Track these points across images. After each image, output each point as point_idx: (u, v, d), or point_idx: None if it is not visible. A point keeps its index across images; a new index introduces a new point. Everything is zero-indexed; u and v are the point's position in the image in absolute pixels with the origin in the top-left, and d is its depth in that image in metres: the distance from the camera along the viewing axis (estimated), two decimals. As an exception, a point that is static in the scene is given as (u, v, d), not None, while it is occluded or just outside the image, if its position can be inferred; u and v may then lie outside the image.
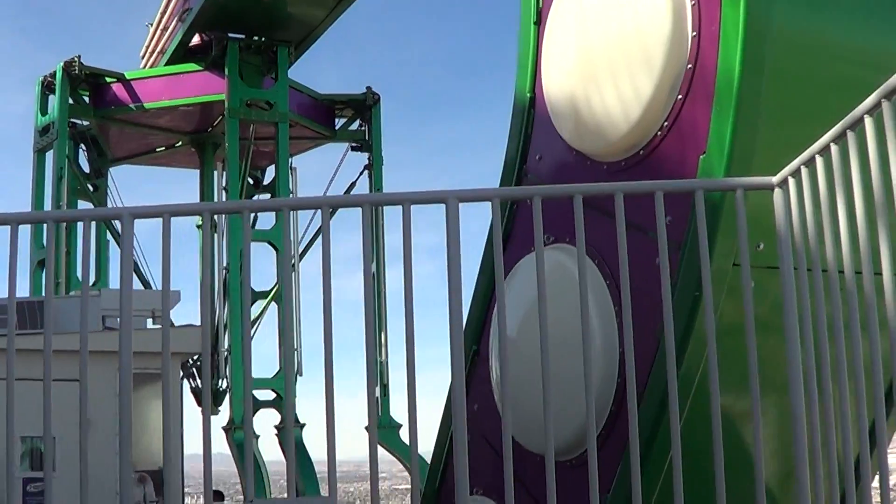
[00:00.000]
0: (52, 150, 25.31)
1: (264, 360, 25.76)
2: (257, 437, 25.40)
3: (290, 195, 25.06)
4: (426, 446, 10.08)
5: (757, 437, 5.30)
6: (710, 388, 5.27)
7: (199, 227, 27.34)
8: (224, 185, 25.29)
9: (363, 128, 28.86)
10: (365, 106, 28.50)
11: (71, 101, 25.88)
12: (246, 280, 5.15)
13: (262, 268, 27.74)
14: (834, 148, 4.63)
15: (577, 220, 5.20)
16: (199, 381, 24.64)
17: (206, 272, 6.19)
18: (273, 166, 26.74)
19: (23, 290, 19.99)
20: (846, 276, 4.65)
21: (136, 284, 25.93)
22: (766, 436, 6.88)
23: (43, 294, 20.85)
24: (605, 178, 7.58)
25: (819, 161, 4.77)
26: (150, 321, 15.93)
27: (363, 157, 28.98)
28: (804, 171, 4.96)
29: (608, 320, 7.33)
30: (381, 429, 25.74)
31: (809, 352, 5.11)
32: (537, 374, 6.23)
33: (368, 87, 28.49)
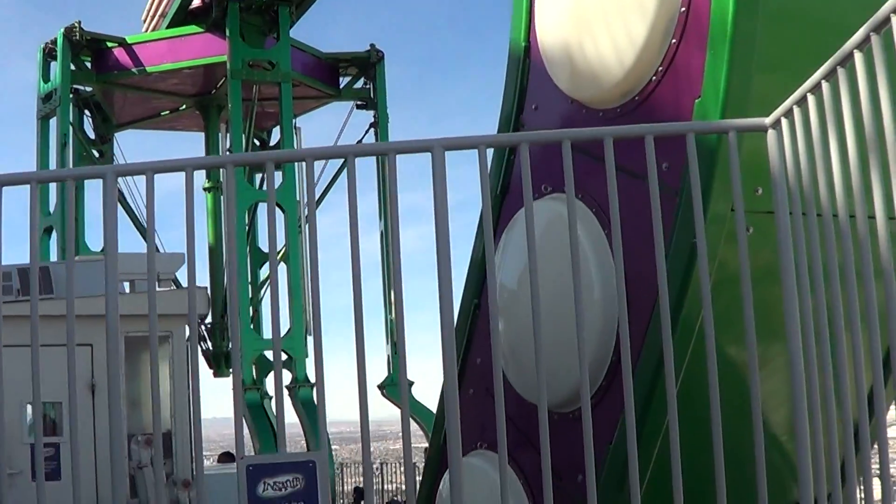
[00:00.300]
0: (55, 117, 25.22)
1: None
2: (270, 397, 25.43)
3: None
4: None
5: (754, 383, 5.23)
6: (706, 341, 5.21)
7: (206, 189, 27.29)
8: (228, 146, 25.18)
9: (367, 86, 28.73)
10: (369, 63, 28.37)
11: (73, 67, 25.78)
12: (231, 233, 5.08)
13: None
14: (825, 86, 4.54)
15: (566, 167, 5.11)
16: (209, 343, 24.69)
17: (191, 231, 6.10)
18: (278, 127, 26.63)
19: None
20: (840, 220, 4.58)
21: (142, 244, 25.92)
22: (776, 384, 6.83)
23: (50, 260, 20.90)
24: (601, 126, 7.49)
25: (811, 99, 4.68)
26: (155, 283, 15.84)
27: (369, 116, 28.87)
28: (796, 110, 4.87)
29: (607, 270, 7.25)
30: (393, 386, 25.78)
31: (807, 299, 5.03)
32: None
33: (372, 45, 28.36)
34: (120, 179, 19.67)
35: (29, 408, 14.35)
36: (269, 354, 25.38)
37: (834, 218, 4.65)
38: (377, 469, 29.19)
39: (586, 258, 7.33)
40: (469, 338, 9.25)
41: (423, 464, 11.57)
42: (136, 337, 12.96)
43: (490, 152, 9.07)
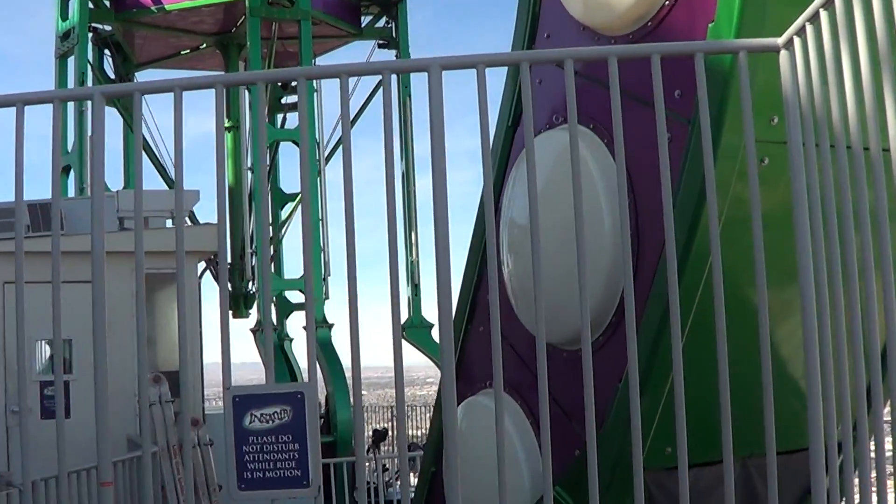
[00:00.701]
0: (73, 56, 24.99)
1: (296, 261, 25.52)
2: (291, 339, 25.39)
3: (315, 94, 24.76)
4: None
5: (763, 325, 5.03)
6: (714, 278, 5.02)
7: (226, 128, 27.05)
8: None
9: (390, 25, 28.32)
10: (391, 2, 27.94)
11: (91, 5, 25.50)
12: (220, 155, 4.90)
13: (292, 168, 27.34)
14: (838, 0, 4.30)
15: (569, 87, 4.89)
16: (228, 283, 24.56)
17: (179, 151, 5.86)
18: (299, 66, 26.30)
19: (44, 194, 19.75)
20: (854, 153, 4.37)
21: (160, 184, 25.82)
22: (796, 326, 6.65)
23: (68, 197, 20.79)
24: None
25: (823, 16, 4.43)
26: (168, 221, 15.76)
27: (391, 56, 28.45)
28: (809, 28, 4.62)
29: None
30: (413, 328, 25.68)
31: (821, 235, 4.82)
32: (548, 262, 5.99)
33: (394, -18, 27.99)
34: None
35: (39, 346, 14.34)
36: (289, 295, 25.32)
37: (848, 150, 4.45)
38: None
39: (596, 190, 7.15)
40: (479, 275, 9.08)
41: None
42: (148, 274, 12.87)
43: (502, 85, 8.93)
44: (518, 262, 8.11)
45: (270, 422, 4.74)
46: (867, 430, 4.72)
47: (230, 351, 5.01)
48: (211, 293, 25.69)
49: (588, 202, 7.00)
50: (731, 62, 6.01)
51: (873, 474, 4.64)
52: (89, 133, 24.53)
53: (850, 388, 4.67)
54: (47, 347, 15.49)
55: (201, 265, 17.55)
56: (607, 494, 6.81)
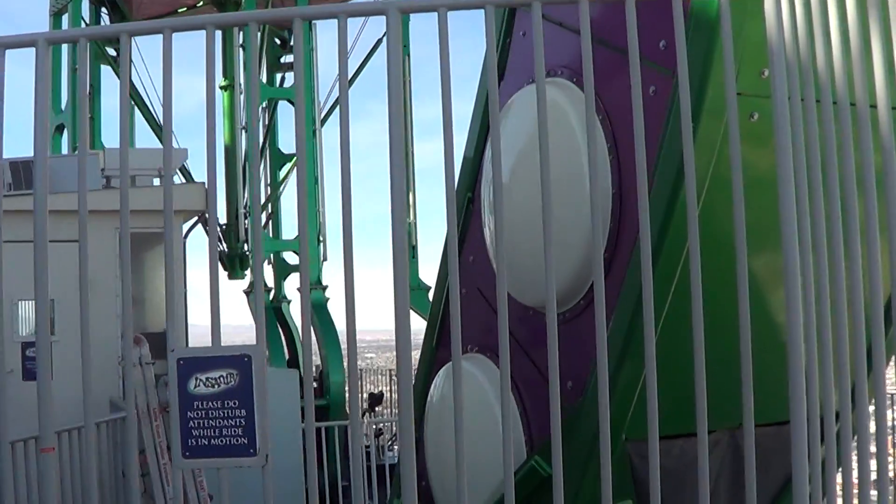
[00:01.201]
0: (68, 13, 24.65)
1: (291, 222, 25.30)
2: (288, 301, 25.22)
3: (312, 53, 24.49)
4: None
5: (742, 294, 4.76)
6: (689, 239, 4.76)
7: (222, 88, 26.76)
8: (241, 42, 24.58)
9: (388, -17, 27.91)
10: (389, -42, 27.52)
11: (87, -40, 25.19)
12: (167, 105, 4.62)
13: (290, 129, 27.01)
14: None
15: (536, 32, 4.60)
16: (224, 244, 24.35)
17: (124, 101, 5.71)
18: (297, 24, 25.86)
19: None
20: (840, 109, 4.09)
21: (155, 142, 25.62)
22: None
23: (53, 155, 20.52)
24: (595, 10, 6.97)
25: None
26: (156, 180, 15.50)
27: (392, 14, 28.01)
28: (796, -32, 4.33)
29: (602, 158, 6.76)
30: (411, 290, 25.41)
31: (803, 199, 4.56)
32: (530, 222, 5.72)
33: (393, -61, 27.49)
34: (135, 78, 18.91)
35: (21, 305, 14.13)
36: (286, 256, 25.17)
37: (833, 105, 4.19)
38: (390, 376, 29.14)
39: (577, 144, 6.86)
40: (462, 235, 8.79)
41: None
42: (134, 233, 12.66)
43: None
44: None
45: (216, 386, 4.48)
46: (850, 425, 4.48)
47: (175, 311, 4.74)
48: (202, 252, 25.45)
49: (569, 158, 6.72)
50: (717, 9, 5.72)
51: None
52: (87, 90, 24.34)
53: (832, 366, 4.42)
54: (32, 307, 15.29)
55: (187, 224, 17.28)
56: (588, 465, 6.58)
